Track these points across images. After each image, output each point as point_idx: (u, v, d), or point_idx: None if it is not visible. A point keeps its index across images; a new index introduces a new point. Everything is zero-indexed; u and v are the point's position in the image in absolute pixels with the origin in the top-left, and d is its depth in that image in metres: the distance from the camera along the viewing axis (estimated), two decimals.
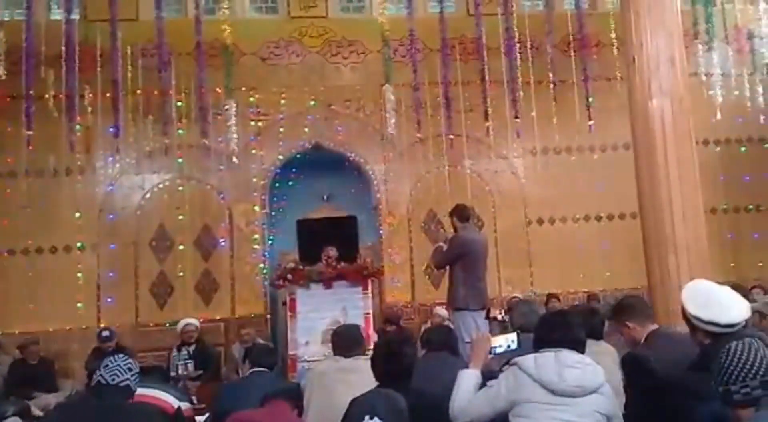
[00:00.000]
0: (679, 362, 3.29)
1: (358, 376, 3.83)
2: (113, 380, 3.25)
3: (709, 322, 3.09)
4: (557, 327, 3.23)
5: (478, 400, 3.14)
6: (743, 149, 11.82)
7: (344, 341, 4.47)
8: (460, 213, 7.24)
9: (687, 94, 6.88)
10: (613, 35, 10.12)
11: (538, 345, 3.22)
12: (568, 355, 3.08)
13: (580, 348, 3.18)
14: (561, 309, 3.68)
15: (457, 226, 7.17)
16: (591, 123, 10.22)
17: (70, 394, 7.59)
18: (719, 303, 3.12)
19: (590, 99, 10.19)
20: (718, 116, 10.16)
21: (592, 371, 3.08)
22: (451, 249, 7.04)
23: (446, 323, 7.61)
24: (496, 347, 3.51)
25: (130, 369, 3.31)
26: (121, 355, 3.43)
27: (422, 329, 6.64)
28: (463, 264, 6.91)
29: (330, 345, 6.48)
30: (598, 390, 3.04)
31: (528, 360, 3.09)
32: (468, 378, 3.29)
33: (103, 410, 3.19)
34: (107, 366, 3.31)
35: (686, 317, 3.22)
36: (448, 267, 7.25)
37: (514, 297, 9.53)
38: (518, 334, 3.62)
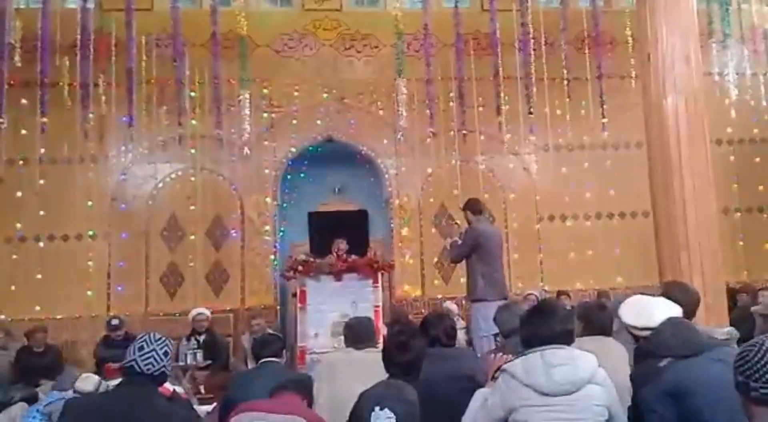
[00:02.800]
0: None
1: (369, 368, 3.82)
2: (148, 369, 2.98)
3: (636, 328, 3.46)
4: (538, 325, 3.14)
5: (479, 416, 3.11)
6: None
7: (356, 333, 4.48)
8: (474, 206, 7.26)
9: (701, 93, 6.84)
10: (628, 33, 10.09)
11: (525, 345, 3.17)
12: (555, 353, 3.01)
13: (566, 341, 3.12)
14: (541, 303, 3.61)
15: (471, 219, 7.20)
16: (604, 120, 10.20)
17: None
18: (643, 310, 3.47)
19: (603, 96, 10.17)
20: (733, 115, 10.14)
21: (583, 363, 3.01)
22: (466, 241, 7.06)
23: (456, 318, 7.60)
24: None
25: (166, 354, 3.04)
26: (156, 337, 3.08)
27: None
28: (479, 256, 6.94)
29: (339, 337, 6.50)
30: (592, 380, 2.98)
31: (516, 365, 3.04)
32: (481, 398, 3.20)
33: (134, 403, 2.94)
34: (143, 348, 3.01)
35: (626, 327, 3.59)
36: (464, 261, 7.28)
37: (530, 293, 9.50)
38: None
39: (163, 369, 3.03)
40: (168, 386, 3.89)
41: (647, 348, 3.26)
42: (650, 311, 3.42)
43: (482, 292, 6.78)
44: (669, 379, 2.96)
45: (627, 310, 3.55)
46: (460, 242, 7.19)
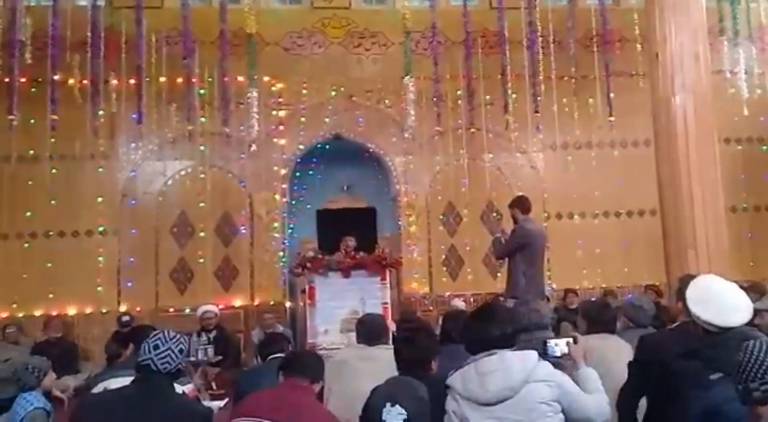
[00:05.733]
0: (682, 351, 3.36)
1: (380, 365, 3.86)
2: (165, 368, 3.01)
3: (706, 322, 3.14)
4: (477, 330, 3.12)
5: None
6: (765, 148, 11.72)
7: (368, 330, 4.49)
8: (522, 205, 7.32)
9: (710, 92, 6.87)
10: (637, 31, 10.09)
11: (467, 350, 3.14)
12: (486, 361, 2.97)
13: (505, 344, 3.04)
14: (482, 306, 3.55)
15: (518, 218, 7.26)
16: (612, 119, 10.21)
17: (88, 377, 7.68)
18: (720, 305, 3.14)
19: (611, 95, 10.19)
20: (745, 112, 10.14)
21: (517, 365, 2.94)
22: (513, 239, 7.13)
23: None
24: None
25: (181, 352, 3.07)
26: (171, 335, 3.10)
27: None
28: (523, 255, 7.02)
29: (349, 334, 6.54)
30: (530, 379, 2.91)
31: (456, 378, 3.04)
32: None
33: (153, 399, 2.97)
34: (158, 347, 3.02)
35: (687, 309, 3.26)
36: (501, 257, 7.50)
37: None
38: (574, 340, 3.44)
39: (178, 366, 3.07)
40: (176, 387, 3.91)
41: (704, 355, 3.00)
42: (727, 311, 3.11)
43: (523, 291, 6.84)
44: (715, 399, 2.77)
45: (696, 296, 3.23)
46: (503, 239, 7.28)
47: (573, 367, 3.28)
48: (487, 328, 3.08)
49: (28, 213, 10.12)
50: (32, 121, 9.78)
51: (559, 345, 3.33)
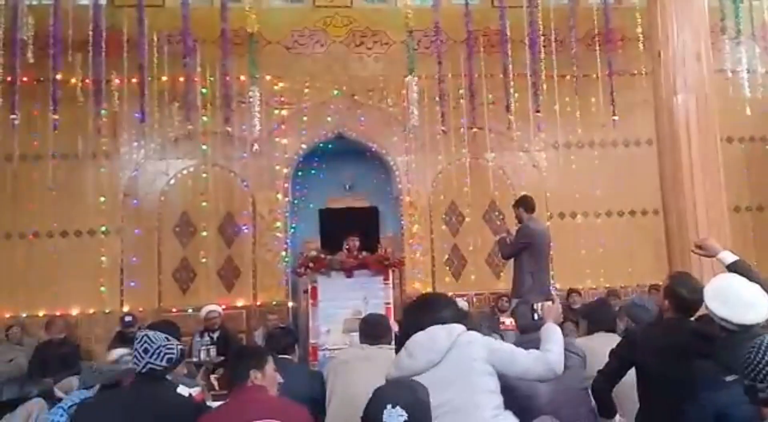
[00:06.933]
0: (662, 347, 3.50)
1: (382, 365, 3.86)
2: (134, 369, 3.28)
3: (722, 319, 3.16)
4: (413, 321, 3.28)
5: None
6: None
7: (372, 329, 4.49)
8: (527, 204, 7.36)
9: (712, 91, 6.83)
10: (639, 30, 10.06)
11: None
12: (413, 339, 3.13)
13: (428, 325, 3.17)
14: (418, 297, 3.70)
15: (523, 217, 7.29)
16: (615, 118, 10.20)
17: None
18: (737, 302, 3.16)
19: (614, 94, 10.18)
20: (748, 112, 10.10)
21: (441, 332, 3.08)
22: (518, 239, 7.17)
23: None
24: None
25: (146, 351, 3.27)
26: (140, 334, 3.35)
27: None
28: (529, 254, 7.06)
29: (351, 334, 6.52)
30: (458, 341, 3.04)
31: (390, 371, 3.17)
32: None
33: (137, 400, 3.19)
34: (132, 348, 3.32)
35: (707, 308, 3.29)
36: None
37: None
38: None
39: (148, 364, 3.24)
40: (183, 389, 3.93)
41: (720, 357, 3.10)
42: (744, 308, 3.14)
43: (528, 291, 6.85)
44: (725, 403, 2.88)
45: (714, 293, 3.26)
46: (508, 240, 7.29)
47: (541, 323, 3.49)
48: (421, 317, 3.23)
49: (31, 213, 10.11)
50: (34, 119, 9.79)
51: (537, 310, 3.71)
